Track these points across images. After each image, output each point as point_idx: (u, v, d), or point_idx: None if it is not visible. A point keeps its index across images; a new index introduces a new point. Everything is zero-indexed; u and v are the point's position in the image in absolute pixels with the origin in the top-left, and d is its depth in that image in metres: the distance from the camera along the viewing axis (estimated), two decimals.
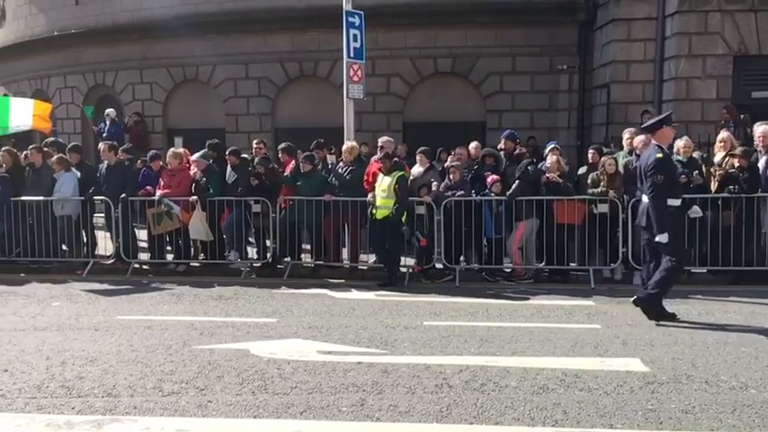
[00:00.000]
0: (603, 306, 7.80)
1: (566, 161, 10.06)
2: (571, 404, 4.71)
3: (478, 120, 13.91)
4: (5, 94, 17.34)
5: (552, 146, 9.99)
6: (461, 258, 9.50)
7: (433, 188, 9.44)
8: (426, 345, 6.21)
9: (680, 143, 8.88)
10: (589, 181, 9.15)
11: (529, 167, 9.19)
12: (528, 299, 8.21)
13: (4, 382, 5.27)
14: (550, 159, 9.32)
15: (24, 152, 10.70)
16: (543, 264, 9.37)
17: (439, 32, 13.69)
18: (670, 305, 7.00)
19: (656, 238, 6.68)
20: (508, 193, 8.99)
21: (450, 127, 13.27)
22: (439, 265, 9.44)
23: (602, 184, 8.91)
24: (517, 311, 7.56)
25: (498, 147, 10.22)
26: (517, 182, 8.99)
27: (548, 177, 9.10)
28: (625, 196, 8.70)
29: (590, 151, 9.83)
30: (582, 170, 9.96)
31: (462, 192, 9.22)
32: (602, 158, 9.16)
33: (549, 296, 8.30)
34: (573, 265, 9.24)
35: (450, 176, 9.40)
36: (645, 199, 6.88)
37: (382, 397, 4.89)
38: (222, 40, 14.57)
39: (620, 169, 9.04)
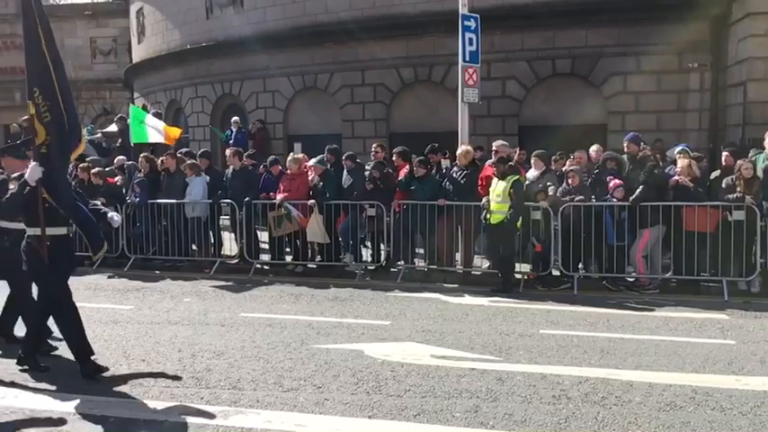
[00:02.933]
0: (738, 320, 7.25)
1: (700, 164, 9.43)
2: (702, 423, 4.42)
3: (599, 122, 13.35)
4: (144, 106, 18.78)
5: (681, 148, 9.41)
6: (580, 266, 9.16)
7: (550, 193, 9.17)
8: (543, 354, 6.04)
9: None
10: (723, 185, 8.54)
11: (655, 171, 8.72)
12: (653, 310, 7.77)
13: (142, 372, 5.68)
14: (681, 163, 8.79)
15: (160, 158, 11.50)
16: (670, 273, 8.85)
17: (558, 33, 13.30)
18: None
19: None
20: (632, 198, 8.57)
21: (569, 130, 12.83)
22: (556, 272, 9.16)
23: (737, 189, 8.29)
24: (641, 323, 7.18)
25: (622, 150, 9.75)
26: (642, 186, 8.55)
27: (677, 180, 8.59)
28: (764, 203, 8.04)
29: (724, 154, 9.19)
30: (715, 174, 9.31)
31: (582, 197, 8.89)
32: (739, 162, 8.52)
33: (677, 308, 7.82)
34: (704, 275, 8.65)
35: (569, 181, 9.10)
36: None
37: (497, 405, 4.80)
38: (339, 48, 14.97)
39: (759, 174, 8.37)
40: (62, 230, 5.59)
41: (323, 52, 15.19)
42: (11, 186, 5.79)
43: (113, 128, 17.19)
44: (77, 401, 4.98)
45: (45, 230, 5.43)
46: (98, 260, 6.22)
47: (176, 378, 5.47)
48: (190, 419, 4.64)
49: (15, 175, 5.96)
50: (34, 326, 5.85)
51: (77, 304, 5.79)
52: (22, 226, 5.84)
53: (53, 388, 5.31)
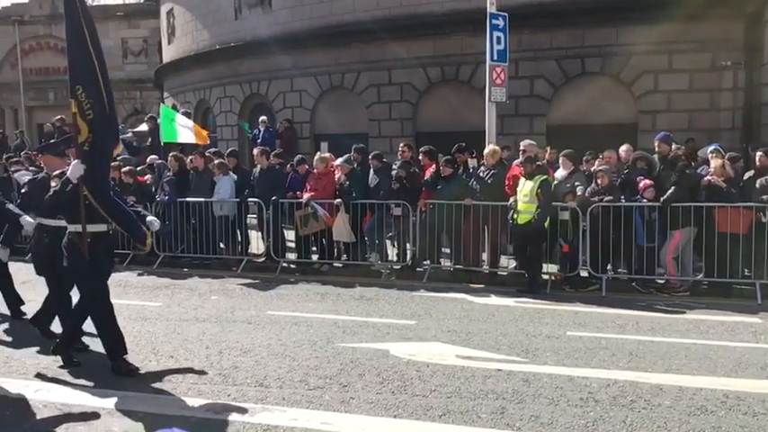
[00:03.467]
0: None
1: (735, 165, 9.24)
2: (733, 428, 4.34)
3: (629, 121, 13.16)
4: (174, 106, 19.03)
5: (713, 148, 9.24)
6: (608, 267, 9.04)
7: (578, 193, 9.07)
8: (570, 356, 5.97)
9: None
10: (757, 186, 8.35)
11: (686, 171, 8.56)
12: (684, 313, 7.64)
13: (170, 368, 5.75)
14: (714, 163, 8.62)
15: (189, 157, 11.64)
16: (702, 275, 8.69)
17: (587, 31, 13.14)
18: None
19: None
20: (663, 198, 8.43)
21: (598, 129, 12.69)
22: (584, 274, 9.05)
23: None
24: (671, 326, 7.06)
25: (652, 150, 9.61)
26: (674, 187, 8.41)
27: (709, 180, 8.44)
28: None
29: (758, 154, 8.98)
30: (748, 174, 9.11)
31: (611, 197, 8.78)
32: None
33: (709, 311, 7.68)
34: (736, 277, 8.47)
35: (598, 181, 8.98)
36: None
37: (523, 407, 4.77)
38: (366, 47, 14.99)
39: None
40: (102, 227, 5.63)
41: (350, 52, 15.23)
42: (52, 184, 5.87)
43: (144, 127, 17.46)
44: (109, 397, 5.06)
45: (86, 227, 5.49)
46: (149, 248, 6.27)
47: (204, 374, 5.53)
48: (217, 416, 4.68)
49: (57, 172, 6.06)
50: (72, 324, 5.94)
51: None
52: (61, 223, 5.93)
53: (85, 383, 5.41)
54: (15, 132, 22.78)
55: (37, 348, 6.31)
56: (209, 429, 4.43)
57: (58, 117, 19.67)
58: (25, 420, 4.69)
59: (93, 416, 4.71)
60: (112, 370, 5.58)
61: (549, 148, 11.00)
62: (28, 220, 6.19)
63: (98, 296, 5.65)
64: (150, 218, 6.35)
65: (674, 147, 9.17)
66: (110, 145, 5.70)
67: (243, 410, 4.75)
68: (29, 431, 4.53)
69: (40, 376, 5.57)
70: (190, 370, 5.65)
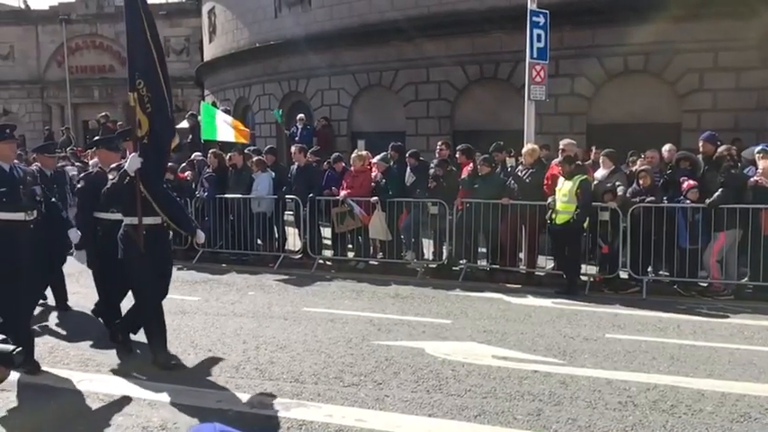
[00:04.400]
0: None
1: None
2: None
3: (673, 121, 12.86)
4: (213, 103, 19.32)
5: (761, 148, 8.95)
6: (649, 269, 8.86)
7: (619, 193, 8.91)
8: (609, 358, 5.87)
9: None
10: None
11: (732, 171, 8.33)
12: (727, 317, 7.44)
13: (208, 362, 5.85)
14: (763, 164, 8.37)
15: (228, 154, 11.80)
16: (746, 279, 8.45)
17: (630, 29, 12.86)
18: None
19: None
20: (709, 201, 8.21)
21: (640, 128, 12.44)
22: (624, 275, 8.89)
23: None
24: (714, 330, 6.88)
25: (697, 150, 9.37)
26: (722, 189, 8.18)
27: (756, 181, 8.19)
28: None
29: None
30: None
31: (652, 198, 8.59)
32: None
33: (754, 315, 7.46)
34: None
35: (640, 181, 8.80)
36: None
37: (560, 409, 4.70)
38: (404, 45, 14.97)
39: None
40: (157, 220, 5.69)
41: (388, 50, 15.23)
42: (110, 177, 5.96)
43: (185, 124, 17.75)
44: (149, 388, 5.17)
45: (142, 220, 5.57)
46: (202, 240, 6.36)
47: (241, 368, 5.60)
48: (253, 410, 4.74)
49: (113, 165, 6.17)
50: (144, 317, 5.95)
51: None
52: (115, 216, 6.05)
53: (126, 375, 5.53)
54: (61, 129, 23.42)
55: (81, 340, 6.48)
56: (245, 423, 4.48)
57: (103, 114, 20.18)
58: (68, 410, 4.82)
59: (134, 406, 4.81)
60: (153, 362, 5.69)
61: (594, 148, 10.80)
62: (76, 233, 6.26)
63: (147, 289, 5.72)
64: (199, 233, 6.24)
65: (723, 147, 8.90)
66: (167, 139, 5.78)
67: (279, 405, 4.80)
68: (71, 420, 4.65)
69: (83, 367, 5.72)
70: (227, 364, 5.73)
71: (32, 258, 5.45)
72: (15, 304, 5.29)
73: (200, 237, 6.23)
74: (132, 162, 5.47)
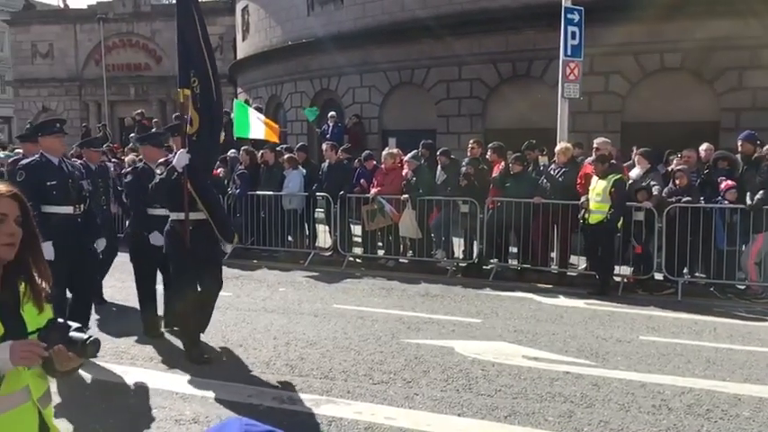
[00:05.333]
0: None
1: None
2: None
3: (710, 119, 12.58)
4: (246, 101, 19.49)
5: None
6: (685, 270, 8.68)
7: (654, 192, 8.74)
8: (642, 361, 5.77)
9: None
10: None
11: None
12: (765, 320, 7.26)
13: (239, 357, 5.91)
14: None
15: (260, 151, 11.90)
16: None
17: (667, 25, 12.62)
18: None
19: None
20: (751, 203, 8.00)
21: (677, 127, 12.18)
22: (659, 276, 8.73)
23: None
24: (752, 334, 6.72)
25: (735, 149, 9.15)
26: (764, 190, 7.96)
27: None
28: None
29: None
30: None
31: (689, 198, 8.42)
32: None
33: None
34: None
35: (677, 181, 8.63)
36: None
37: (592, 411, 4.64)
38: (436, 43, 14.90)
39: None
40: (202, 216, 5.72)
41: (420, 47, 15.18)
42: (158, 172, 6.01)
43: None
44: (181, 382, 5.24)
45: (189, 215, 5.60)
46: (231, 246, 6.42)
47: (271, 364, 5.65)
48: (282, 405, 4.78)
49: (162, 160, 6.25)
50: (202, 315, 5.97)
51: None
52: (160, 211, 6.11)
53: (159, 368, 5.62)
54: (98, 125, 23.89)
55: (115, 332, 6.60)
56: (275, 418, 4.51)
57: (138, 111, 20.53)
58: (101, 402, 4.92)
59: (167, 399, 4.89)
60: (186, 356, 5.77)
61: (635, 148, 10.55)
62: (103, 242, 6.38)
63: (186, 284, 5.77)
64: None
65: (766, 148, 8.67)
66: (216, 137, 5.82)
67: (308, 401, 4.82)
68: (104, 412, 4.74)
69: (117, 359, 5.82)
70: (258, 359, 5.78)
71: (81, 251, 5.54)
72: (63, 296, 5.39)
73: (229, 249, 6.25)
74: (180, 158, 5.51)
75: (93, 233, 6.00)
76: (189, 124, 5.57)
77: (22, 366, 1.89)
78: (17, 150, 14.68)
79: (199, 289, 5.85)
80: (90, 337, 2.00)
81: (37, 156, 5.73)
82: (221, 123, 5.91)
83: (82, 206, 5.63)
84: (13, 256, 2.00)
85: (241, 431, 1.19)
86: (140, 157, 12.85)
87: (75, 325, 2.03)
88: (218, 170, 12.14)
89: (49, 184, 5.42)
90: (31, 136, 8.84)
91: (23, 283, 2.05)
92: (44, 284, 2.09)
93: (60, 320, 2.05)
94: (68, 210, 5.48)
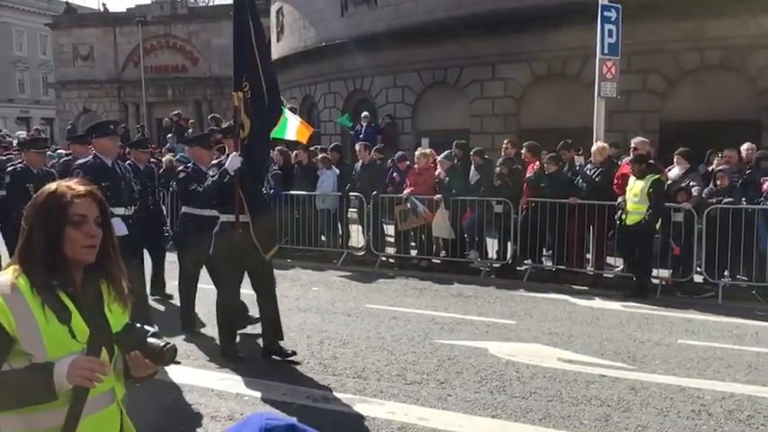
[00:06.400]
0: None
1: None
2: None
3: (752, 118, 12.26)
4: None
5: None
6: (726, 273, 8.47)
7: (694, 193, 8.55)
8: (681, 365, 5.66)
9: None
10: None
11: None
12: None
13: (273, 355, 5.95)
14: None
15: (294, 152, 11.98)
16: None
17: (707, 23, 12.34)
18: None
19: None
20: None
21: (717, 126, 11.91)
22: (698, 279, 8.54)
23: None
24: None
25: None
26: None
27: None
28: None
29: None
30: None
31: (730, 198, 8.22)
32: None
33: None
34: None
35: (717, 182, 8.43)
36: None
37: (629, 415, 4.56)
38: (470, 43, 14.82)
39: None
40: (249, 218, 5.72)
41: (454, 47, 15.11)
42: (210, 173, 6.03)
43: None
44: (216, 379, 5.31)
45: (239, 218, 5.62)
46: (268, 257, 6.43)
47: (305, 363, 5.68)
48: (317, 404, 4.80)
49: (215, 162, 6.33)
50: (269, 315, 5.95)
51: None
52: (208, 212, 6.19)
53: (195, 365, 5.70)
54: (136, 126, 24.37)
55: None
56: (308, 416, 4.54)
57: (175, 112, 20.88)
58: (137, 399, 4.99)
59: (202, 396, 4.96)
60: (221, 354, 5.84)
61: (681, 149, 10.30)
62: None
63: (233, 287, 5.83)
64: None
65: None
66: (265, 144, 5.84)
67: (342, 400, 4.84)
68: (141, 409, 4.81)
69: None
70: (291, 358, 5.82)
71: (132, 253, 5.62)
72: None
73: (267, 258, 6.23)
74: (233, 161, 5.52)
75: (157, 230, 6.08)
76: (241, 128, 5.61)
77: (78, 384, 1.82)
78: (59, 151, 15.07)
79: (256, 293, 5.90)
80: (167, 343, 1.94)
81: (91, 156, 5.87)
82: (270, 129, 5.85)
83: (133, 208, 5.73)
84: (95, 258, 1.95)
85: (262, 425, 1.20)
86: (177, 157, 13.09)
87: (151, 330, 1.98)
88: None
89: (103, 185, 5.51)
90: (82, 137, 9.11)
91: (105, 283, 2.02)
92: (124, 282, 2.05)
93: (138, 325, 2.00)
94: (120, 211, 5.58)
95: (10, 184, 7.38)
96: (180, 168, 7.34)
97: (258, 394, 4.98)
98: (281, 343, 5.88)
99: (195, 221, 6.57)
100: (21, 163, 7.81)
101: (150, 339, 1.94)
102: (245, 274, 5.93)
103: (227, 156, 5.85)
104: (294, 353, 5.80)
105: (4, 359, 1.81)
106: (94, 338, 1.89)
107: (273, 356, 5.75)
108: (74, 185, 1.95)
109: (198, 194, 6.21)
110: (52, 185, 1.97)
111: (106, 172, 5.60)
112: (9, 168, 7.80)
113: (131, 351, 1.92)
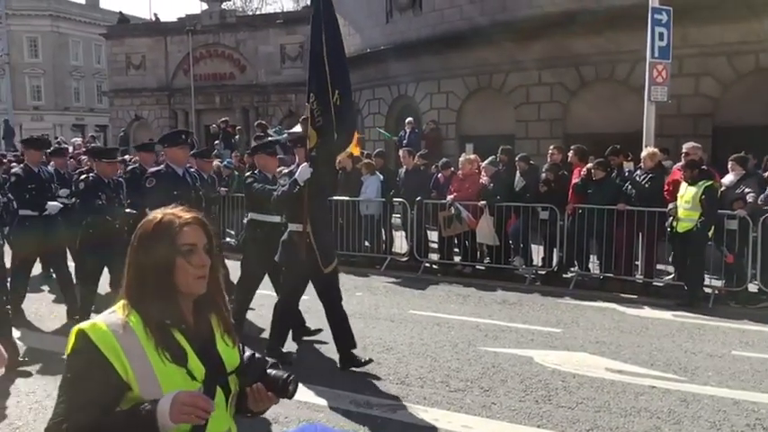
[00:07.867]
0: None
1: None
2: None
3: None
4: None
5: None
6: None
7: (749, 200, 8.27)
8: (735, 377, 5.46)
9: None
10: None
11: None
12: None
13: (316, 360, 5.99)
14: None
15: (338, 157, 12.03)
16: None
17: (762, 24, 11.94)
18: None
19: None
20: None
21: None
22: (753, 289, 8.24)
23: None
24: None
25: None
26: None
27: None
28: None
29: None
30: None
31: None
32: None
33: None
34: None
35: None
36: None
37: (680, 428, 4.43)
38: (516, 47, 14.67)
39: None
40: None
41: (499, 52, 15.00)
42: (280, 182, 6.05)
43: (298, 128, 18.34)
44: None
45: (306, 228, 5.65)
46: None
47: (347, 369, 5.69)
48: (360, 410, 4.80)
49: (286, 171, 6.40)
50: (337, 322, 5.99)
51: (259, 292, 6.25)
52: (273, 219, 6.30)
53: None
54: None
55: None
56: (352, 421, 4.55)
57: (222, 119, 21.27)
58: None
59: None
60: (267, 349, 5.83)
61: (750, 156, 9.92)
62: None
63: (296, 294, 5.92)
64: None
65: None
66: (330, 157, 5.83)
67: (384, 406, 4.83)
68: None
69: None
70: (335, 363, 5.84)
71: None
72: None
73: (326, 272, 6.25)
74: (303, 172, 5.54)
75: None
76: (308, 140, 5.67)
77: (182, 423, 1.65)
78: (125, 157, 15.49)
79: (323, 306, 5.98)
80: (290, 374, 1.82)
81: (163, 165, 6.04)
82: (332, 144, 5.84)
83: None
84: (206, 289, 1.82)
85: None
86: (224, 163, 13.31)
87: (270, 361, 1.90)
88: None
89: (175, 193, 5.65)
90: (148, 146, 9.37)
91: (213, 314, 1.88)
92: (228, 312, 1.91)
93: (257, 355, 1.90)
94: None
95: (83, 193, 7.14)
96: (247, 174, 7.46)
97: (302, 398, 5.00)
98: (355, 351, 5.83)
99: (262, 228, 6.65)
100: (92, 172, 7.88)
101: (271, 371, 1.84)
102: (309, 283, 5.95)
103: (298, 165, 5.89)
104: (371, 360, 5.73)
105: (115, 407, 1.69)
106: (211, 377, 1.78)
107: (352, 369, 5.67)
108: (179, 213, 1.83)
109: (265, 195, 6.25)
110: (156, 214, 1.83)
111: (177, 180, 5.74)
112: (82, 177, 7.80)
113: (253, 384, 1.81)
